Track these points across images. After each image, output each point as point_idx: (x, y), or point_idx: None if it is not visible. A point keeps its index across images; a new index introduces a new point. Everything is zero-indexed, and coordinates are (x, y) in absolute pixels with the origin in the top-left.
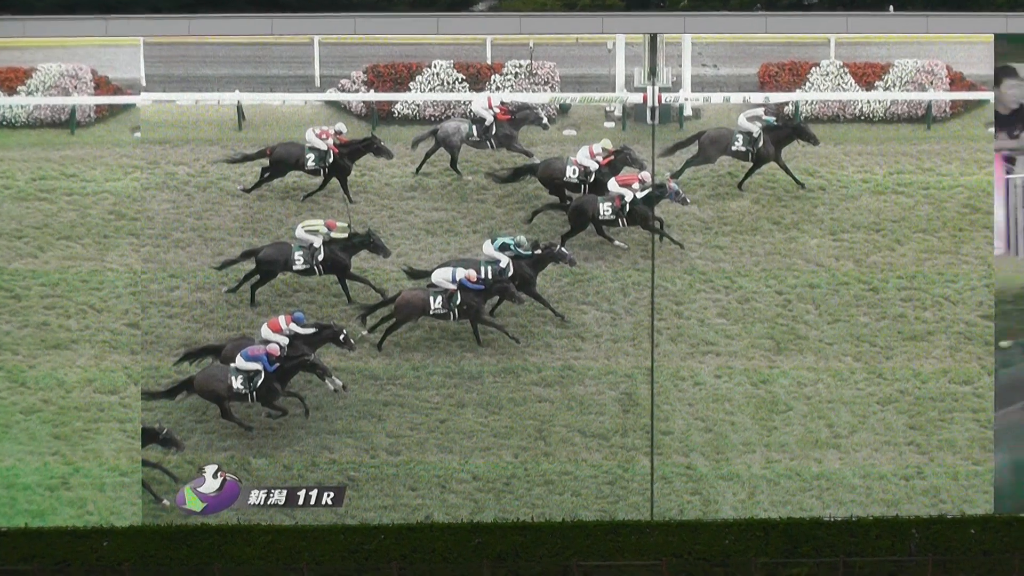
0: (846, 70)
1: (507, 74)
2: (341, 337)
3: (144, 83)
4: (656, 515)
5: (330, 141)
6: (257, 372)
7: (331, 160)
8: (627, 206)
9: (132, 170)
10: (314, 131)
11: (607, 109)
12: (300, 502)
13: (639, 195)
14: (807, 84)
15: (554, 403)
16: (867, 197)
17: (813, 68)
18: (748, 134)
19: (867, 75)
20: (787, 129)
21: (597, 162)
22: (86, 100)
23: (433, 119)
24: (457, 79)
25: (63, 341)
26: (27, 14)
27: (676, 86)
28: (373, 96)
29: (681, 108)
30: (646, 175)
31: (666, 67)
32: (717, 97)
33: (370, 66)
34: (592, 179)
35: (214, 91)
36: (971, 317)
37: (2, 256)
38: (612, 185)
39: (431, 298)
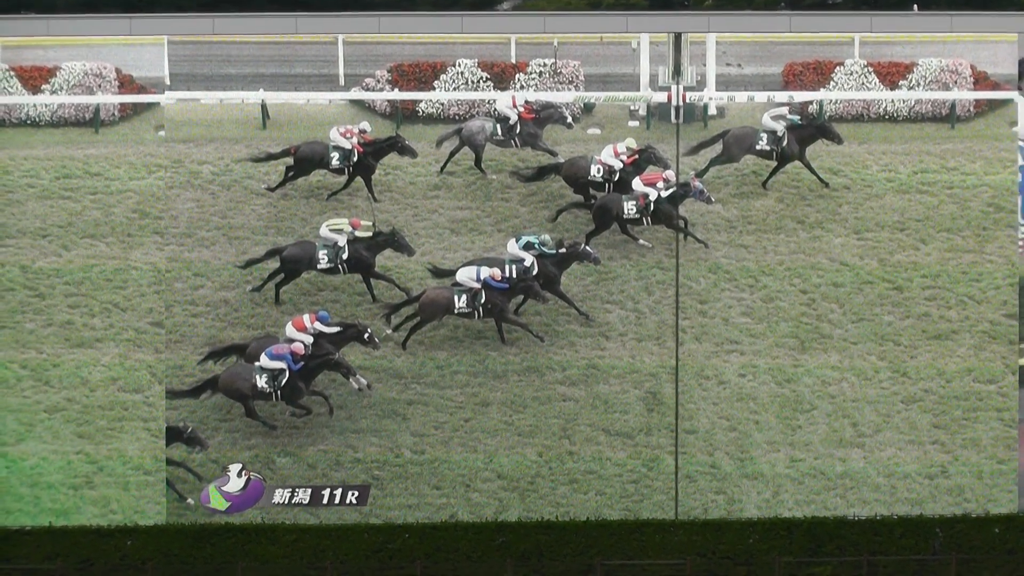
0: (870, 69)
1: (531, 73)
2: (366, 336)
3: (168, 82)
4: (680, 514)
5: (354, 140)
6: (281, 371)
7: (355, 159)
8: (652, 205)
9: (156, 169)
10: (338, 130)
11: (631, 108)
12: (324, 501)
13: (664, 194)
14: (831, 83)
15: (578, 402)
16: (891, 196)
17: (837, 67)
18: (772, 133)
19: (891, 74)
20: (811, 128)
21: (621, 161)
22: (110, 99)
23: (457, 118)
24: (481, 78)
25: (87, 340)
26: (51, 12)
27: (700, 85)
28: (397, 95)
29: (705, 107)
30: (670, 174)
31: (690, 66)
32: (741, 96)
33: (394, 65)
34: (616, 178)
35: (238, 90)
36: (995, 316)
37: (27, 255)
38: (636, 184)
39: (456, 297)
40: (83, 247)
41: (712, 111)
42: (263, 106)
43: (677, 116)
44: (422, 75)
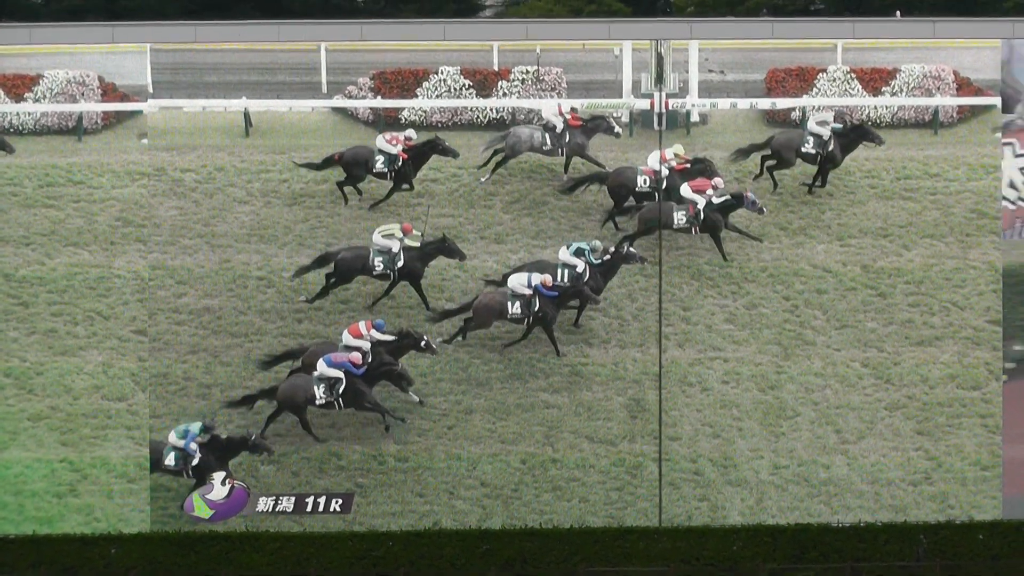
0: (853, 75)
1: (514, 80)
2: (423, 343)
3: (151, 90)
4: (664, 521)
5: (399, 147)
6: (338, 379)
7: (399, 164)
8: (701, 213)
9: (139, 177)
10: (384, 137)
11: (614, 115)
12: (308, 509)
13: (715, 201)
14: (814, 90)
15: (562, 409)
16: (874, 202)
17: (820, 74)
18: (818, 137)
19: (874, 80)
20: (853, 133)
21: (669, 168)
22: (93, 107)
23: (440, 125)
24: (464, 85)
25: (71, 348)
26: (34, 21)
27: (683, 92)
28: (380, 102)
29: (688, 114)
30: (719, 181)
31: (673, 73)
32: (724, 103)
33: (377, 72)
34: (664, 186)
35: (221, 98)
36: (979, 322)
37: (10, 263)
38: (685, 191)
39: (509, 302)
40: (66, 255)
41: (695, 118)
42: (246, 114)
43: (659, 123)
44: (404, 82)
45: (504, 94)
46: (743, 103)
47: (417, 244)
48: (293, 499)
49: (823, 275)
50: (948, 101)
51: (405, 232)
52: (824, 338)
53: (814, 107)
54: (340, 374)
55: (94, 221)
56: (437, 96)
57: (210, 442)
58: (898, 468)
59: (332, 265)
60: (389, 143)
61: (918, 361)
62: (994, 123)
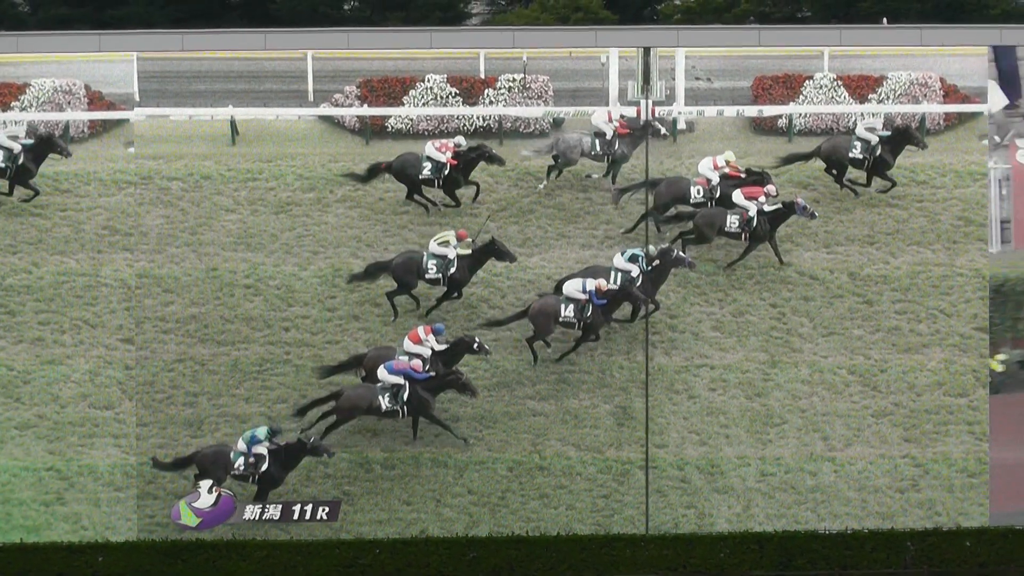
0: (840, 83)
1: (500, 88)
2: (475, 346)
3: (138, 98)
4: (651, 529)
5: (448, 154)
6: (401, 387)
7: (447, 172)
8: (753, 220)
9: (126, 185)
10: (433, 144)
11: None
12: (295, 517)
13: (766, 208)
14: (801, 97)
15: (548, 416)
16: (861, 210)
17: (807, 81)
18: (866, 143)
19: (861, 88)
20: (898, 137)
21: (722, 175)
22: (80, 115)
23: (426, 133)
24: (451, 93)
25: (58, 356)
26: (21, 30)
27: (670, 99)
28: (366, 110)
29: (675, 121)
30: (772, 188)
31: (659, 80)
32: (711, 110)
33: (363, 80)
34: (717, 194)
35: (208, 106)
36: (966, 329)
37: None
38: (737, 197)
39: (562, 306)
40: (53, 264)
41: (681, 125)
42: (232, 122)
43: (646, 131)
44: (391, 90)
45: (491, 102)
46: (730, 110)
47: (469, 251)
48: (280, 507)
49: (810, 282)
50: (935, 108)
51: (460, 239)
52: (811, 345)
53: (862, 113)
54: (402, 380)
55: (81, 230)
56: (424, 104)
57: (274, 449)
58: (885, 475)
59: (390, 274)
60: (438, 150)
61: (905, 368)
62: (981, 130)
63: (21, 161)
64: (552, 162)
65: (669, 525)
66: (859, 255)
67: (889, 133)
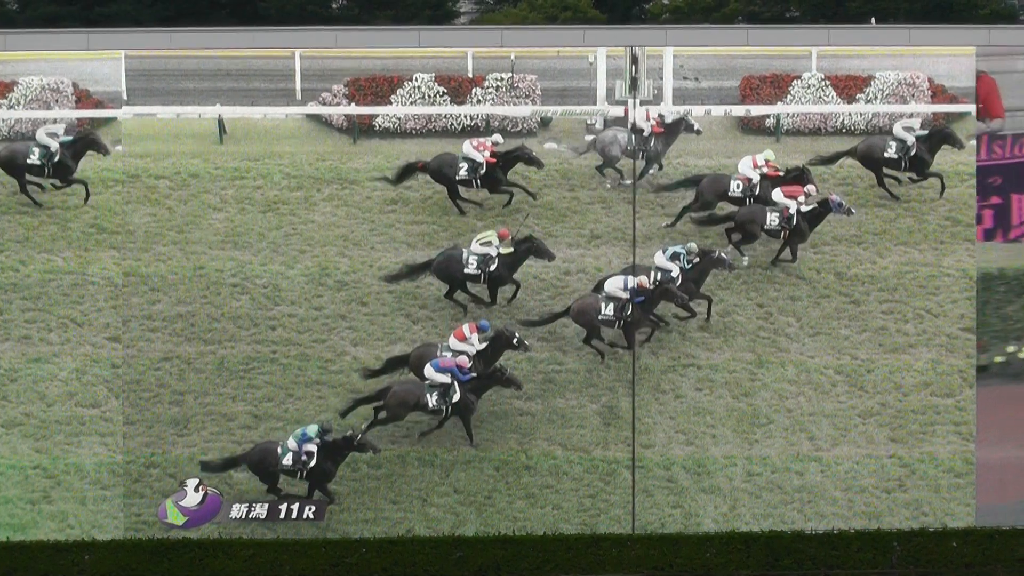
0: (828, 83)
1: (488, 87)
2: (515, 341)
3: (125, 96)
4: (637, 528)
5: (486, 153)
6: (450, 386)
7: (483, 171)
8: (793, 218)
9: (113, 184)
10: (471, 143)
11: (588, 122)
12: (282, 516)
13: (804, 208)
14: (788, 97)
15: (535, 416)
16: None
17: (795, 81)
18: (902, 142)
19: (849, 88)
20: (937, 136)
21: (761, 172)
22: (67, 113)
23: (414, 132)
24: (438, 92)
25: (44, 355)
26: (8, 28)
27: (657, 99)
28: (354, 109)
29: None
30: (812, 188)
31: (647, 80)
32: (699, 110)
33: (351, 79)
34: (757, 192)
35: (195, 104)
36: (953, 330)
37: None
38: (777, 195)
39: (603, 304)
40: (40, 262)
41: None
42: (220, 121)
43: (633, 130)
44: (379, 89)
45: (478, 101)
46: (717, 110)
47: (511, 249)
48: (266, 506)
49: (797, 282)
50: (923, 108)
51: (501, 238)
52: (798, 345)
53: (901, 113)
54: (449, 379)
55: (68, 228)
56: (411, 103)
57: (322, 446)
58: (872, 475)
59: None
60: (476, 149)
61: (892, 368)
62: (968, 130)
63: (58, 159)
64: (599, 161)
65: (656, 525)
66: (846, 255)
67: (927, 132)
